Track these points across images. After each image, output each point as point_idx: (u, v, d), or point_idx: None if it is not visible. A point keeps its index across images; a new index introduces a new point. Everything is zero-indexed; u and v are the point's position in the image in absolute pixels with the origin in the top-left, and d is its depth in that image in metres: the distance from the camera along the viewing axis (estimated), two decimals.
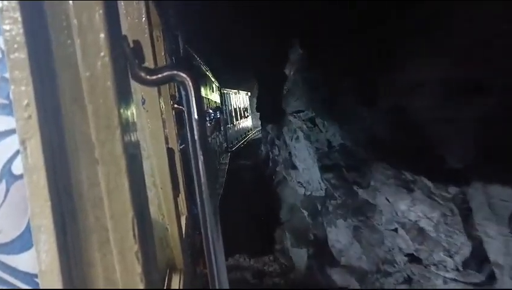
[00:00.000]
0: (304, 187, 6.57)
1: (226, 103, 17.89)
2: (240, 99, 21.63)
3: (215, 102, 15.32)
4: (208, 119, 9.82)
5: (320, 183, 5.79)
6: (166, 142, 1.61)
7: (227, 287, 0.63)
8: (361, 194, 4.69)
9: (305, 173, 6.46)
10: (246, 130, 21.51)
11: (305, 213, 6.28)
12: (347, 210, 4.93)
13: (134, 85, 0.63)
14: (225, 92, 17.99)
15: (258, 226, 7.59)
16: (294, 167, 6.98)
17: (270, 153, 9.85)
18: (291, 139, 6.91)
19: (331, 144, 5.45)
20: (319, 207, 5.86)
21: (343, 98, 4.81)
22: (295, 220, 6.69)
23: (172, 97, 2.33)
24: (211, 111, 11.59)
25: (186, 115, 0.63)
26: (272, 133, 8.99)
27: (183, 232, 1.75)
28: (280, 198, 7.88)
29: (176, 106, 2.30)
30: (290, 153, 7.22)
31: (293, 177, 7.15)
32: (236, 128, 18.88)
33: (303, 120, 6.01)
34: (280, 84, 7.16)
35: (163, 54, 2.28)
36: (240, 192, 9.04)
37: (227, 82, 17.05)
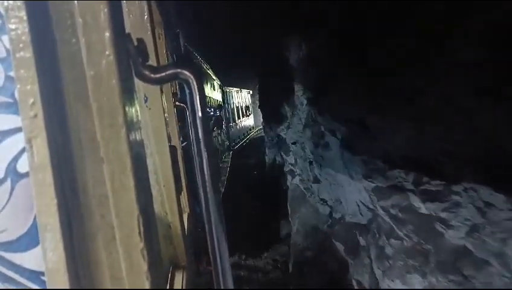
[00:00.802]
0: (330, 207, 5.23)
1: (228, 101, 17.91)
2: (241, 97, 21.66)
3: (217, 100, 15.33)
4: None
5: (359, 206, 4.33)
6: (169, 140, 1.62)
7: (232, 287, 0.63)
8: (450, 238, 3.13)
9: (333, 189, 5.02)
10: (248, 129, 21.56)
11: (341, 247, 4.76)
12: (425, 261, 3.31)
13: (136, 83, 0.63)
14: (227, 90, 18.02)
15: (264, 241, 6.67)
16: (317, 181, 5.53)
17: (282, 159, 8.21)
18: (317, 146, 5.25)
19: (389, 156, 3.70)
20: (363, 242, 4.29)
21: (416, 88, 3.16)
22: (318, 249, 5.27)
23: (174, 95, 2.33)
24: (211, 109, 11.62)
25: (190, 113, 0.63)
26: (285, 136, 7.24)
27: (186, 229, 1.75)
28: (294, 216, 6.50)
29: (177, 103, 2.30)
30: (310, 162, 5.72)
31: (314, 193, 5.81)
32: (238, 127, 18.92)
33: (342, 122, 4.36)
34: (291, 77, 5.94)
35: (165, 51, 2.28)
36: (242, 193, 8.75)
37: (229, 80, 17.06)
